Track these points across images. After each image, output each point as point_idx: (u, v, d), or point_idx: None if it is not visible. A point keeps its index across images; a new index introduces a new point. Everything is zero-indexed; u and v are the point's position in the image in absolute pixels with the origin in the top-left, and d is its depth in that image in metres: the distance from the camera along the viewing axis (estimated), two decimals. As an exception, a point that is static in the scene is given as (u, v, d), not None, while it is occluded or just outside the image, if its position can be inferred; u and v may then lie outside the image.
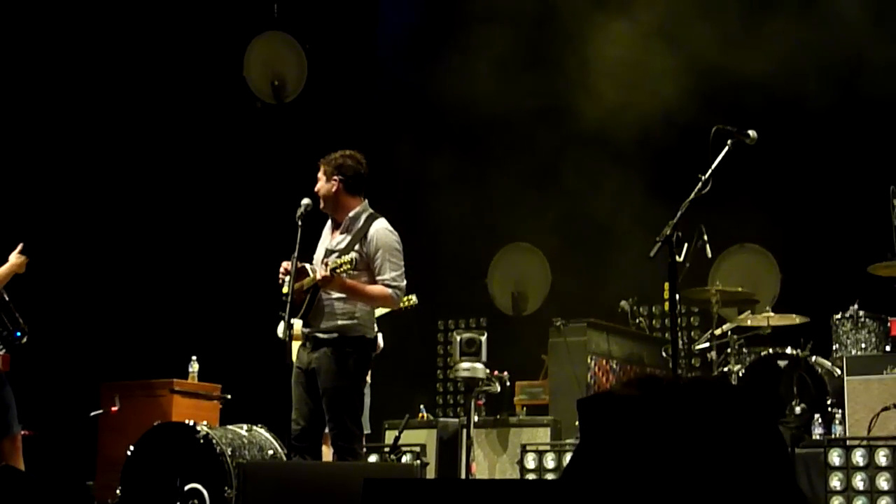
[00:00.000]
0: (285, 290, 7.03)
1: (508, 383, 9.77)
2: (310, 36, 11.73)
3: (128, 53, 11.43)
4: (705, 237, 7.78)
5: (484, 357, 8.66)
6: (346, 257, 6.83)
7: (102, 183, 11.54)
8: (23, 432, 7.72)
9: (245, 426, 8.58)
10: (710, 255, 7.83)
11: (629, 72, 10.99)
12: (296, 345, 7.23)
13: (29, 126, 10.90)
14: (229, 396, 10.30)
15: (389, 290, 7.02)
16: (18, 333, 7.62)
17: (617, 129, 11.00)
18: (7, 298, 7.83)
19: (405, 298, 8.57)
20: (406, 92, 12.51)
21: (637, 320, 10.70)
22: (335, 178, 7.17)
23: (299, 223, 7.11)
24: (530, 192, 11.72)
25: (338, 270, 6.81)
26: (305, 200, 7.18)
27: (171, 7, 11.54)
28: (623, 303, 10.52)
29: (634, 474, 1.51)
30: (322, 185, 7.21)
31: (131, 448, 8.30)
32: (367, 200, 7.31)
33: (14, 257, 7.81)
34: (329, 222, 7.38)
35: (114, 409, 9.69)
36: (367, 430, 8.73)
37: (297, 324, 7.17)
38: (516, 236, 12.29)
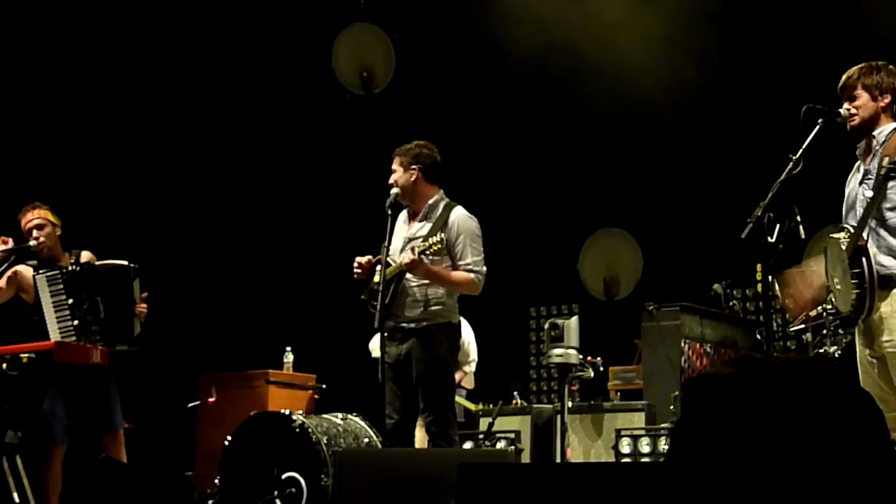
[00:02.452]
0: (377, 279, 7.09)
1: (602, 368, 9.74)
2: (397, 26, 11.77)
3: (217, 48, 11.56)
4: (798, 218, 7.65)
5: (575, 342, 8.64)
6: (434, 238, 6.87)
7: (197, 177, 11.70)
8: (125, 425, 7.81)
9: (340, 415, 8.64)
10: (803, 236, 7.71)
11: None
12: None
13: (124, 123, 11.07)
14: (324, 386, 10.40)
15: (472, 276, 7.06)
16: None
17: (707, 110, 10.92)
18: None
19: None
20: (492, 78, 12.47)
21: (730, 303, 10.59)
22: (413, 167, 7.24)
23: (389, 212, 7.16)
24: (621, 175, 11.67)
25: (427, 252, 6.86)
26: (395, 189, 7.23)
27: (259, 1, 11.65)
28: (716, 286, 10.40)
29: (731, 454, 1.51)
30: (400, 176, 7.27)
31: (228, 438, 8.40)
32: (442, 190, 7.36)
33: None
34: (403, 214, 7.40)
35: (211, 400, 9.82)
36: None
37: None
38: (607, 221, 12.23)
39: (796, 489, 1.50)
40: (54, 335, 7.32)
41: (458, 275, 7.07)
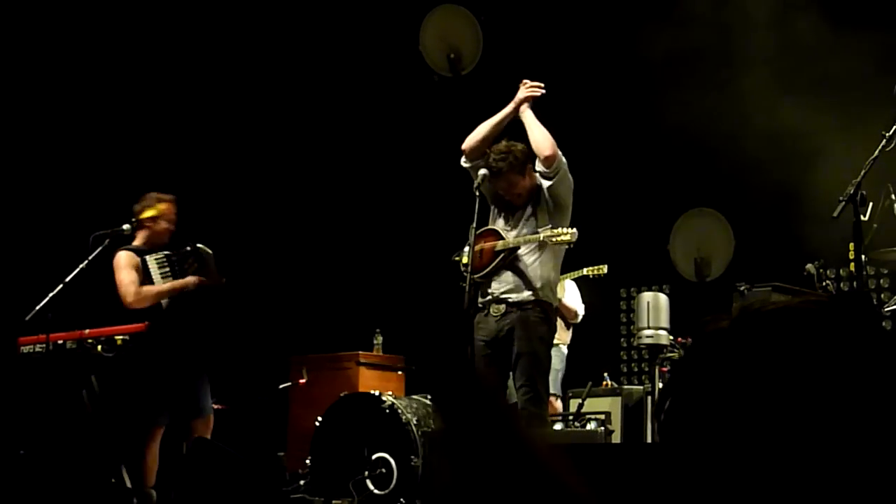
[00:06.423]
0: (465, 259, 7.10)
1: (693, 349, 9.65)
2: (484, 7, 11.73)
3: (308, 31, 11.62)
4: (893, 196, 7.52)
5: (666, 323, 8.57)
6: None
7: (285, 161, 11.77)
8: (216, 407, 7.90)
9: (429, 396, 8.66)
10: (898, 214, 7.56)
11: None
12: None
13: (211, 109, 11.17)
14: (414, 367, 10.42)
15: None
16: None
17: (798, 87, 10.77)
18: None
19: (596, 268, 8.83)
20: (581, 59, 12.41)
21: (824, 283, 10.41)
22: None
23: (477, 194, 7.15)
24: (712, 155, 11.55)
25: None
26: (482, 171, 7.23)
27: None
28: (809, 266, 10.24)
29: (729, 417, 1.33)
30: None
31: (319, 419, 8.47)
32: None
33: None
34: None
35: (302, 381, 9.90)
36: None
37: None
38: (698, 201, 12.12)
39: (801, 450, 1.30)
40: None
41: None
